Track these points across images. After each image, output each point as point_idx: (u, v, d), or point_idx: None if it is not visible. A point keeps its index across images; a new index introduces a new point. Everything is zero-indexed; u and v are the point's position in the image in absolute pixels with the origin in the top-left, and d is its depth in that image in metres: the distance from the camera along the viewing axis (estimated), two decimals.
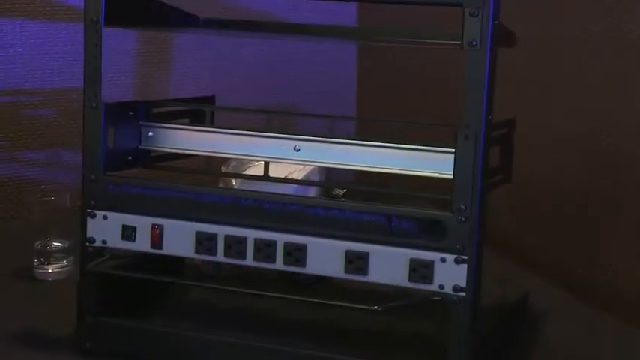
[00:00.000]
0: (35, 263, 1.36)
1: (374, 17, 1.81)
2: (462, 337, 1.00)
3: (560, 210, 1.52)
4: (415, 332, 1.19)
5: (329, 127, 1.23)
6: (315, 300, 1.09)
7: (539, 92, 1.52)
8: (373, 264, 1.03)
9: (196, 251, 1.09)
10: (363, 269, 1.03)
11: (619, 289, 1.39)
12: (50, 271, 1.36)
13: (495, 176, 1.12)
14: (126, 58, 1.66)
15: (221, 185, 1.36)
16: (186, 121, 1.25)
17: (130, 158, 1.18)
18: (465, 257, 0.99)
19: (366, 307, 1.03)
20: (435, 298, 1.01)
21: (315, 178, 1.40)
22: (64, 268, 1.36)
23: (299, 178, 1.37)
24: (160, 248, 1.10)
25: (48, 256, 1.36)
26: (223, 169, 1.37)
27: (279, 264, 1.06)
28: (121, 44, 1.64)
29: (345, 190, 1.35)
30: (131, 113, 1.17)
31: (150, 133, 1.19)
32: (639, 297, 1.35)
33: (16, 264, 1.39)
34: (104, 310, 1.14)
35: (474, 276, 0.99)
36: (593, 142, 1.44)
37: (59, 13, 1.56)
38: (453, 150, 0.99)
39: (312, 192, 1.39)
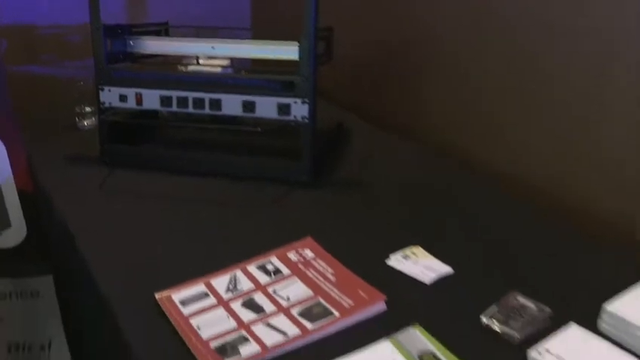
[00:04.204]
0: (76, 120, 1.34)
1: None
2: (307, 146, 1.04)
3: (364, 75, 1.48)
4: (283, 145, 1.12)
5: (233, 35, 1.20)
6: (228, 127, 1.08)
7: (356, 8, 1.45)
8: (258, 107, 1.04)
9: (161, 105, 1.09)
10: (253, 110, 1.05)
11: (392, 120, 1.39)
12: (85, 123, 1.34)
13: (322, 57, 1.14)
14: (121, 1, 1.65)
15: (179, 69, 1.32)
16: (153, 35, 1.24)
17: (121, 56, 1.17)
18: (307, 101, 1.02)
19: (255, 129, 1.04)
20: (292, 124, 1.03)
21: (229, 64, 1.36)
22: (93, 122, 1.32)
23: (223, 64, 1.33)
24: (141, 105, 1.10)
25: (83, 116, 1.34)
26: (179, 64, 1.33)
27: (207, 110, 1.07)
28: None
29: (245, 70, 1.32)
30: (119, 31, 1.16)
31: (131, 43, 1.18)
32: (405, 121, 1.34)
33: (65, 121, 1.35)
34: (114, 140, 1.14)
35: (312, 111, 1.03)
36: (384, 38, 1.39)
37: None
38: (298, 43, 1.01)
39: (229, 72, 1.33)
